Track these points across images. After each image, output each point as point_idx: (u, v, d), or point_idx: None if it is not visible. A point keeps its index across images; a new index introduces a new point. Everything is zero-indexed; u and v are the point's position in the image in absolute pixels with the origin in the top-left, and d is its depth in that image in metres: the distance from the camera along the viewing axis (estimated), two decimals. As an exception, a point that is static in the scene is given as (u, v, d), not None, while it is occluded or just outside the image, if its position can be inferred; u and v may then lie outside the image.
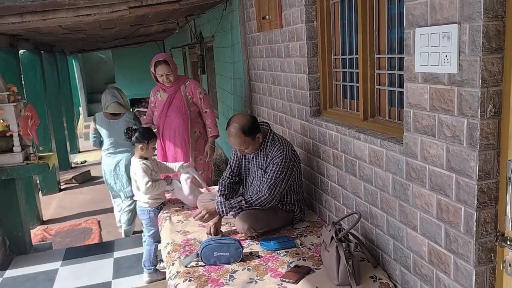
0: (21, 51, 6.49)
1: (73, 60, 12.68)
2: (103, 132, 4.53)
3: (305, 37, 2.90)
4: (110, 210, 6.26)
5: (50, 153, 4.35)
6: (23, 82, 6.14)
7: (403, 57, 1.88)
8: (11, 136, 3.86)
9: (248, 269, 2.38)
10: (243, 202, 2.69)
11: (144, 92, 13.03)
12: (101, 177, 8.28)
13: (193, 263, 2.48)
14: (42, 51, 7.44)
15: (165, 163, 3.56)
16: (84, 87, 13.18)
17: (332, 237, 2.24)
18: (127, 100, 4.70)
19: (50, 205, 6.85)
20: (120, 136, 3.85)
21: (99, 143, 4.67)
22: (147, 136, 3.28)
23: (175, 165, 3.55)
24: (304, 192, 3.06)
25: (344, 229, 2.28)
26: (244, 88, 4.37)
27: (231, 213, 2.71)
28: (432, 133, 1.73)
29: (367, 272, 2.24)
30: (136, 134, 3.26)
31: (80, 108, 13.26)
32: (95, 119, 4.58)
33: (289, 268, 2.34)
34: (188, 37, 7.88)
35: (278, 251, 2.56)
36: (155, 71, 3.95)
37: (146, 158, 3.31)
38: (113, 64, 13.31)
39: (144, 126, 3.61)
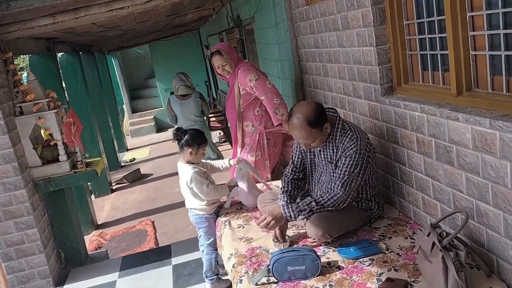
0: (59, 55, 6.36)
1: (112, 58, 12.64)
2: (178, 111, 5.47)
3: (369, 2, 2.44)
4: (164, 209, 6.11)
5: (97, 158, 4.14)
6: (64, 86, 6.01)
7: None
8: (56, 145, 3.66)
9: (330, 286, 2.01)
10: (313, 203, 2.31)
11: (184, 84, 12.88)
12: (151, 174, 8.21)
13: (264, 279, 2.14)
14: (81, 52, 7.31)
15: (212, 162, 3.22)
16: (125, 84, 13.15)
17: (434, 244, 1.82)
18: (191, 82, 5.60)
19: (103, 207, 6.79)
20: (192, 113, 5.45)
21: (175, 121, 5.56)
22: (198, 139, 2.93)
23: (223, 162, 3.20)
24: (379, 184, 2.63)
25: (446, 233, 1.86)
26: (294, 70, 3.95)
27: (300, 217, 2.34)
28: None
29: (482, 284, 1.81)
30: (186, 137, 2.93)
31: (124, 106, 13.28)
32: (169, 102, 5.54)
33: (380, 283, 1.95)
34: (225, 22, 7.50)
35: (361, 259, 2.17)
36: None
37: (193, 164, 2.98)
38: (151, 58, 13.18)
39: (195, 128, 3.27)
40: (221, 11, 7.14)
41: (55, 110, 3.61)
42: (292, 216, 2.34)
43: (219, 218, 3.05)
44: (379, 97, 2.57)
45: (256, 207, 3.06)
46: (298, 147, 2.65)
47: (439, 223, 1.96)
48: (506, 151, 1.64)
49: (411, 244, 2.24)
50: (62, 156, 3.67)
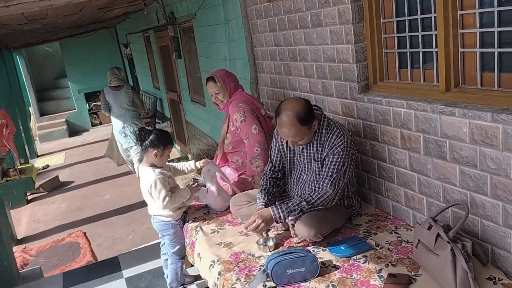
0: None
1: (17, 56, 11.47)
2: (111, 101, 6.34)
3: None
4: (95, 218, 5.65)
5: (29, 165, 3.68)
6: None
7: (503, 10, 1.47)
8: (-20, 149, 3.18)
9: (333, 286, 1.95)
10: (304, 203, 2.24)
11: (99, 84, 12.05)
12: (72, 182, 7.57)
13: (260, 285, 2.02)
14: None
15: (175, 164, 2.99)
16: (32, 85, 11.99)
17: (437, 237, 1.85)
18: (124, 75, 6.51)
19: (20, 220, 6.09)
20: (124, 102, 6.35)
21: (109, 110, 6.43)
22: (164, 140, 2.69)
23: (188, 165, 3.00)
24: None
25: (447, 225, 1.90)
26: (249, 69, 3.86)
27: (290, 218, 2.26)
28: None
29: (481, 272, 1.87)
30: (151, 137, 2.68)
31: (31, 108, 12.11)
32: (103, 92, 6.39)
33: (383, 280, 1.94)
34: (154, 19, 7.17)
35: (355, 257, 2.15)
36: None
37: (157, 167, 2.75)
38: (62, 57, 12.20)
39: (160, 128, 2.96)
40: (148, 8, 6.79)
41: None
42: (282, 217, 2.25)
43: (186, 224, 2.85)
44: (355, 94, 2.58)
45: (225, 210, 2.93)
46: (277, 146, 2.57)
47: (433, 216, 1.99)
48: (510, 143, 1.71)
49: (398, 239, 2.27)
50: (-10, 163, 3.20)
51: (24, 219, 6.12)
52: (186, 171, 2.98)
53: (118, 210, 5.76)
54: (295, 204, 2.25)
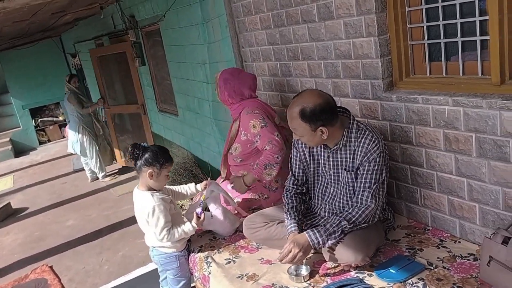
0: None
1: None
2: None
3: (368, -15, 2.16)
4: (61, 248, 5.03)
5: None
6: None
7: None
8: None
9: (401, 321, 1.64)
10: (344, 223, 1.92)
11: (45, 98, 11.22)
12: (27, 208, 6.81)
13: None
14: None
15: (174, 187, 2.58)
16: (-33, 102, 10.92)
17: (521, 253, 1.58)
18: (76, 82, 6.62)
19: (-31, 257, 5.32)
20: (69, 108, 6.58)
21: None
22: (161, 157, 2.28)
23: (188, 187, 2.59)
24: (383, 190, 2.36)
25: (525, 237, 1.64)
26: (235, 72, 3.49)
27: (329, 242, 1.92)
28: None
29: None
30: (146, 155, 2.26)
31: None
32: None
33: (458, 307, 1.65)
34: (109, 24, 6.61)
35: (410, 281, 1.85)
36: None
37: (155, 190, 2.33)
38: (3, 70, 11.20)
39: (158, 144, 2.49)
40: (104, 12, 6.23)
41: None
42: (321, 242, 1.91)
43: (193, 254, 2.44)
44: (379, 93, 2.30)
45: (232, 234, 2.55)
46: (298, 156, 2.23)
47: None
48: None
49: (450, 254, 2.00)
50: None
51: (-26, 256, 5.37)
52: (187, 194, 2.57)
53: (85, 237, 5.16)
54: (334, 225, 1.92)
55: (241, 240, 2.47)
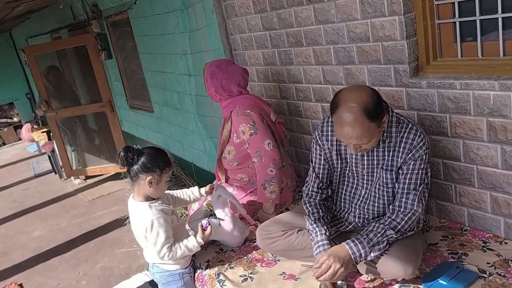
0: None
1: None
2: None
3: (391, -43, 1.89)
4: (30, 263, 4.54)
5: None
6: None
7: None
8: None
9: None
10: (390, 232, 1.66)
11: (-4, 98, 10.40)
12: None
13: None
14: None
15: (174, 192, 2.23)
16: None
17: None
18: None
19: None
20: None
21: None
22: (160, 161, 1.95)
23: (191, 192, 2.26)
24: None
25: None
26: (224, 61, 3.16)
27: (372, 254, 1.65)
28: None
29: None
30: (142, 159, 1.92)
31: None
32: None
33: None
34: (68, 16, 6.07)
35: (465, 292, 1.62)
36: None
37: (154, 200, 2.00)
38: None
39: (153, 146, 2.14)
40: (57, 4, 5.67)
41: None
42: (363, 255, 1.64)
43: (200, 271, 2.12)
44: (405, 79, 2.05)
45: (242, 244, 2.25)
46: (322, 154, 1.94)
47: None
48: None
49: (501, 258, 1.78)
50: None
51: None
52: (190, 200, 2.23)
53: (57, 249, 4.69)
54: (378, 234, 1.65)
55: (254, 252, 2.17)
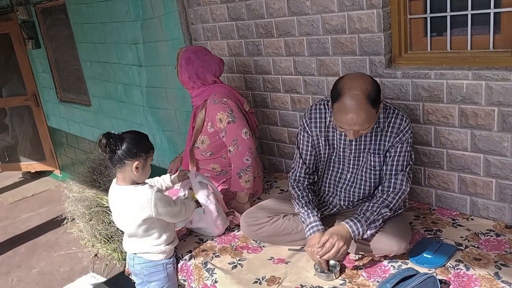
0: None
1: None
2: None
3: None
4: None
5: None
6: None
7: None
8: None
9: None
10: (384, 210, 1.75)
11: None
12: None
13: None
14: None
15: (146, 181, 2.14)
16: None
17: None
18: None
19: None
20: None
21: None
22: (144, 145, 1.87)
23: (162, 180, 2.21)
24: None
25: None
26: (183, 52, 3.08)
27: (369, 232, 1.73)
28: None
29: None
30: (125, 144, 1.82)
31: None
32: None
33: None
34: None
35: (450, 264, 1.76)
36: None
37: (139, 184, 1.92)
38: None
39: (133, 130, 2.00)
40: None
41: None
42: (361, 232, 1.71)
43: (183, 262, 2.04)
44: (380, 70, 2.17)
45: (223, 233, 2.22)
46: (310, 141, 1.98)
47: None
48: None
49: (471, 232, 1.96)
50: None
51: None
52: (163, 188, 2.16)
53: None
54: (374, 213, 1.73)
55: (236, 240, 2.15)
